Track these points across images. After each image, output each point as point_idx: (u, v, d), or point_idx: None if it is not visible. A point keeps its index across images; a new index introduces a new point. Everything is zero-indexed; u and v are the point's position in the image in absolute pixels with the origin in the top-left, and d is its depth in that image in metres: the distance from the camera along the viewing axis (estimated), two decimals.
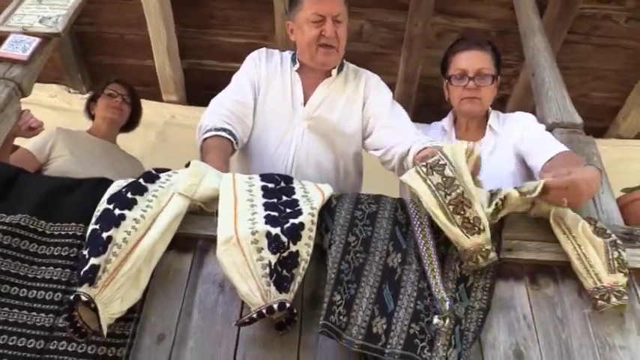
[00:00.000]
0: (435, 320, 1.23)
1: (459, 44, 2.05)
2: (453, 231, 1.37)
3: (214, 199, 1.44)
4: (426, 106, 3.47)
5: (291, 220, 1.32)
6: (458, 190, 1.37)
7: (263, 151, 1.98)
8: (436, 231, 1.44)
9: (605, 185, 1.71)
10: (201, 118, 1.93)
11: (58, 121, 2.79)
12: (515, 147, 1.91)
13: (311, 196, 1.44)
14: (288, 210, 1.37)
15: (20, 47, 2.04)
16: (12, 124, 1.94)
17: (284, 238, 1.28)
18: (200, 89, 3.53)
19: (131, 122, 2.62)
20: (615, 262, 1.39)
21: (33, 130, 2.01)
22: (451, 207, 1.37)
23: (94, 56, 3.51)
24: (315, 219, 1.37)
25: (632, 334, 1.39)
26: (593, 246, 1.40)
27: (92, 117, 2.58)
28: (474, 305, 1.35)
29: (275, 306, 1.22)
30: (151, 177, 1.48)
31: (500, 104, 3.38)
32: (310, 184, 1.51)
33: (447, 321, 1.23)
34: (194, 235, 1.46)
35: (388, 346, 1.22)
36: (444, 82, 2.12)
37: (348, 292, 1.28)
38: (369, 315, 1.25)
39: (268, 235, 1.28)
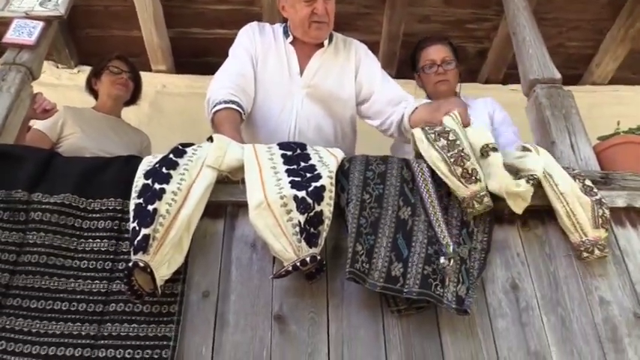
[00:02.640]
0: (442, 261, 1.43)
1: (424, 42, 2.53)
2: (454, 182, 1.57)
3: (239, 169, 1.60)
4: (408, 62, 3.61)
5: (314, 184, 1.49)
6: (459, 147, 1.59)
7: (267, 120, 2.12)
8: (438, 184, 1.64)
9: (582, 133, 1.92)
10: (208, 92, 2.05)
11: (48, 98, 2.85)
12: (490, 115, 2.28)
13: (326, 161, 1.61)
14: (308, 175, 1.54)
15: (26, 32, 2.11)
16: (27, 107, 2.04)
17: (309, 200, 1.46)
18: (188, 57, 3.60)
19: (134, 96, 2.71)
20: (600, 219, 1.60)
21: (48, 112, 2.11)
22: (452, 159, 1.58)
23: (81, 29, 3.51)
24: (334, 181, 1.54)
25: (609, 263, 1.62)
26: (581, 204, 1.61)
27: (93, 92, 2.66)
28: (476, 247, 1.56)
29: (307, 259, 1.40)
30: (180, 152, 1.62)
31: (481, 57, 3.53)
32: (323, 150, 1.68)
33: (452, 262, 1.44)
34: (223, 202, 1.62)
35: (406, 287, 1.42)
36: (415, 76, 2.57)
37: (368, 242, 1.47)
38: (387, 261, 1.45)
39: (295, 198, 1.45)
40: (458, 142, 1.60)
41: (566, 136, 1.91)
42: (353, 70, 2.19)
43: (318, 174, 1.54)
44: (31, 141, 2.23)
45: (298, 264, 1.41)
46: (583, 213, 1.60)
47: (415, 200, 1.57)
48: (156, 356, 1.38)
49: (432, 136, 1.66)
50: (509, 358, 1.44)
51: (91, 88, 2.66)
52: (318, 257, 1.42)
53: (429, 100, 2.20)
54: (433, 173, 1.65)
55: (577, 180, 1.65)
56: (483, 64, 3.54)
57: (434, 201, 1.59)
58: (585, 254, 1.58)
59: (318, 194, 1.48)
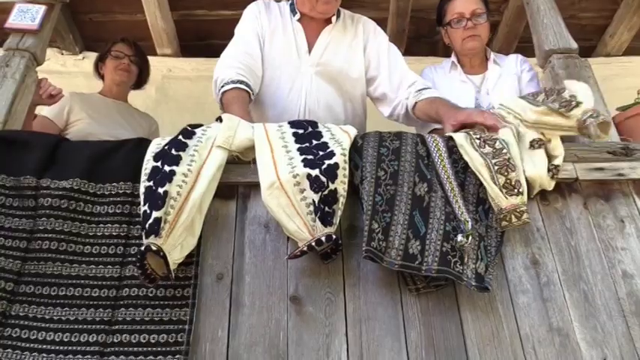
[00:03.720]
0: (459, 238, 1.39)
1: None
2: (494, 190, 1.51)
3: (249, 149, 1.56)
4: (418, 39, 3.53)
5: (327, 162, 1.45)
6: (505, 156, 1.53)
7: (275, 99, 2.08)
8: (454, 160, 1.59)
9: (600, 103, 1.86)
10: (215, 72, 2.01)
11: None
12: (517, 76, 2.09)
13: (338, 138, 1.56)
14: (321, 152, 1.50)
15: (28, 17, 2.07)
16: (32, 93, 2.01)
17: (323, 179, 1.42)
18: (193, 40, 3.55)
19: (141, 80, 2.67)
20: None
21: (53, 98, 2.08)
22: (496, 167, 1.52)
23: (84, 14, 3.46)
24: (347, 158, 1.50)
25: (632, 237, 1.58)
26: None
27: (102, 77, 2.63)
28: (492, 224, 1.52)
29: (323, 239, 1.37)
30: (189, 133, 1.58)
31: (491, 30, 3.44)
32: (335, 127, 1.64)
33: (470, 238, 1.40)
34: (234, 183, 1.59)
35: (425, 264, 1.39)
36: (441, 31, 2.33)
37: (384, 220, 1.44)
38: (404, 239, 1.42)
39: (309, 176, 1.42)
40: (505, 151, 1.54)
41: None
42: (361, 47, 2.14)
43: (331, 151, 1.50)
44: (38, 128, 2.21)
45: (313, 244, 1.38)
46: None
47: (431, 176, 1.53)
48: (171, 340, 1.37)
49: (477, 142, 1.59)
50: (530, 335, 1.41)
51: (99, 72, 2.63)
52: (334, 236, 1.38)
53: (438, 93, 2.02)
54: (449, 149, 1.61)
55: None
56: (494, 37, 3.45)
57: (450, 177, 1.55)
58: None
59: (331, 172, 1.44)
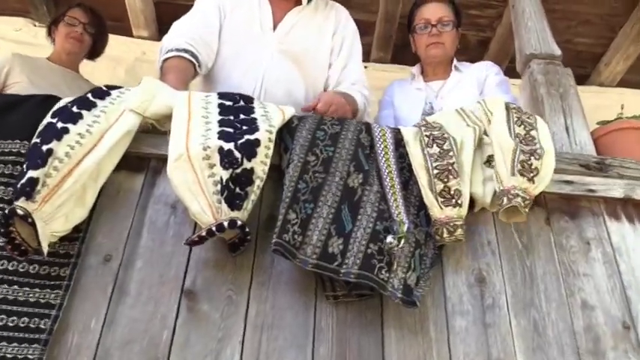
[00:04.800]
0: (389, 239, 1.18)
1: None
2: (429, 197, 1.30)
3: (168, 117, 1.35)
4: (405, 47, 3.34)
5: (247, 137, 1.25)
6: (450, 160, 1.31)
7: (229, 78, 1.87)
8: (401, 155, 1.39)
9: (580, 115, 1.66)
10: (162, 40, 1.82)
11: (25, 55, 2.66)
12: (479, 81, 1.94)
13: (271, 115, 1.36)
14: (244, 127, 1.29)
15: None
16: None
17: (237, 154, 1.21)
18: (171, 24, 3.39)
19: (95, 51, 2.48)
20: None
21: None
22: (436, 171, 1.30)
23: None
24: (273, 137, 1.29)
25: (598, 262, 1.36)
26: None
27: (54, 41, 2.43)
28: (433, 233, 1.30)
29: (225, 223, 1.16)
30: (101, 93, 1.38)
31: (482, 47, 3.28)
32: (272, 105, 1.43)
33: (403, 242, 1.18)
34: (146, 155, 1.38)
35: (344, 266, 1.17)
36: (410, 37, 2.24)
37: (305, 211, 1.22)
38: (325, 234, 1.20)
39: (220, 150, 1.21)
40: (451, 154, 1.32)
41: (560, 116, 1.65)
42: (331, 32, 1.96)
43: (256, 127, 1.29)
44: None
45: (214, 228, 1.16)
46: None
47: (370, 167, 1.32)
48: (33, 326, 1.14)
49: (426, 140, 1.38)
50: None
51: (52, 37, 2.43)
52: (239, 222, 1.17)
53: (353, 91, 1.87)
54: (397, 142, 1.40)
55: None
56: (485, 54, 3.28)
57: (393, 172, 1.34)
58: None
59: (249, 149, 1.23)
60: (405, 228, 1.22)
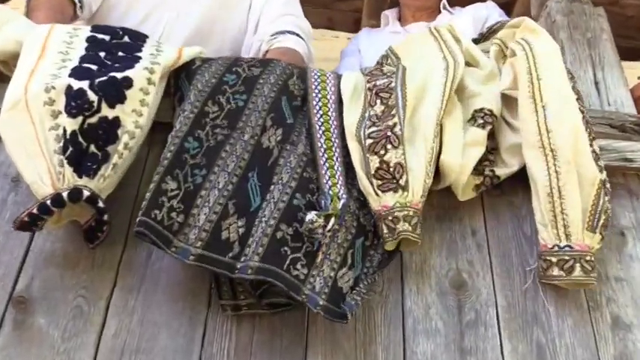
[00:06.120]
0: (309, 216, 0.77)
1: None
2: (362, 181, 0.88)
3: (17, 57, 0.97)
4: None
5: (112, 74, 0.86)
6: (389, 122, 0.89)
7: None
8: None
9: (616, 67, 1.29)
10: None
11: None
12: (477, 21, 1.55)
13: (162, 54, 0.97)
14: (117, 65, 0.91)
15: None
16: None
17: (93, 96, 0.83)
18: None
19: None
20: None
21: None
22: (369, 141, 0.89)
23: None
24: (156, 78, 0.90)
25: (636, 260, 0.94)
26: None
27: None
28: None
29: (65, 194, 0.77)
30: None
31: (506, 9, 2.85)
32: (171, 47, 1.05)
33: (332, 223, 0.77)
34: None
35: (243, 258, 0.77)
36: None
37: (192, 180, 0.83)
38: (217, 213, 0.80)
39: (68, 90, 0.83)
40: (394, 112, 0.91)
41: (588, 68, 1.26)
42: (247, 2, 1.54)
43: (131, 65, 0.90)
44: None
45: (48, 202, 0.77)
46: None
47: (295, 122, 0.93)
48: None
49: (369, 95, 0.97)
50: None
51: None
52: (86, 193, 0.78)
53: (297, 44, 1.36)
54: (340, 98, 1.00)
55: None
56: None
57: (331, 131, 0.94)
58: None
59: (113, 90, 0.85)
60: (339, 205, 0.81)
